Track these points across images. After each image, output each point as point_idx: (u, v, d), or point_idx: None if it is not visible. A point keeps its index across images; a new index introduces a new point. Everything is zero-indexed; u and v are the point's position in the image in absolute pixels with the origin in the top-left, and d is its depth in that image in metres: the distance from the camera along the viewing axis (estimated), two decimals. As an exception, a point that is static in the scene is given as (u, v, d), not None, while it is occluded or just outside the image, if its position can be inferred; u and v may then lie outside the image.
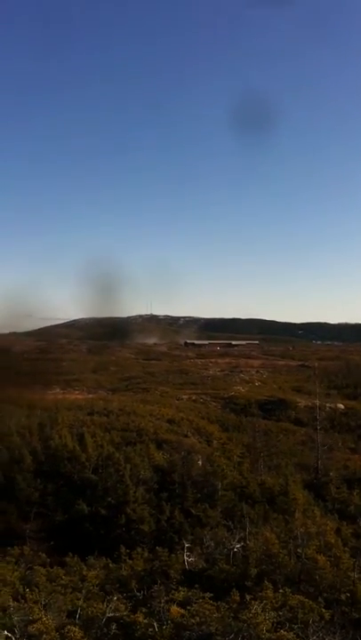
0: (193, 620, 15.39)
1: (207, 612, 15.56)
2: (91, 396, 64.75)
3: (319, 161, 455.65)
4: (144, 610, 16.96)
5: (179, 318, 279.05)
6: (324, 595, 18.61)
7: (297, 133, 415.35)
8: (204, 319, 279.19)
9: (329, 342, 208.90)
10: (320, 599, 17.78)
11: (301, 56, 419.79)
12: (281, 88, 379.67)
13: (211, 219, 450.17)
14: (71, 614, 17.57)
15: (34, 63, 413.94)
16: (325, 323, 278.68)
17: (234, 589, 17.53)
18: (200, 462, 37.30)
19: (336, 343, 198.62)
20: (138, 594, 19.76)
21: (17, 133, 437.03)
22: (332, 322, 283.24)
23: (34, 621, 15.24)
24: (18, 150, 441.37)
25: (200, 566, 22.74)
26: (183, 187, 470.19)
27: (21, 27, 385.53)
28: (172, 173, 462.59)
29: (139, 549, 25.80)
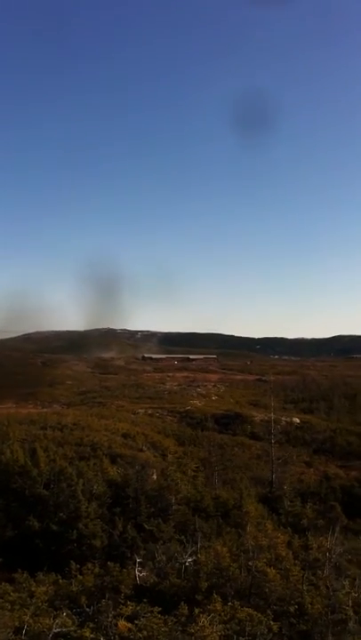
0: (140, 635, 15.30)
1: (155, 626, 15.48)
2: (45, 410, 64.02)
3: (315, 165, 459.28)
4: (92, 625, 16.77)
5: (136, 332, 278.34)
6: (274, 607, 18.67)
7: (297, 133, 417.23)
8: (161, 333, 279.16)
9: (286, 357, 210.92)
10: (269, 611, 17.82)
11: (303, 55, 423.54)
12: (282, 88, 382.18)
13: (167, 231, 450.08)
14: (18, 630, 17.27)
15: (34, 63, 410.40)
16: (283, 338, 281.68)
17: (183, 603, 17.46)
18: (155, 476, 37.13)
19: (293, 358, 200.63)
20: (87, 609, 19.52)
21: (17, 132, 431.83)
22: (289, 337, 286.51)
23: (-24, 639, 14.91)
24: (18, 149, 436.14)
25: (151, 581, 22.59)
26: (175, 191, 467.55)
27: (21, 25, 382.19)
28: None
29: (90, 565, 25.44)
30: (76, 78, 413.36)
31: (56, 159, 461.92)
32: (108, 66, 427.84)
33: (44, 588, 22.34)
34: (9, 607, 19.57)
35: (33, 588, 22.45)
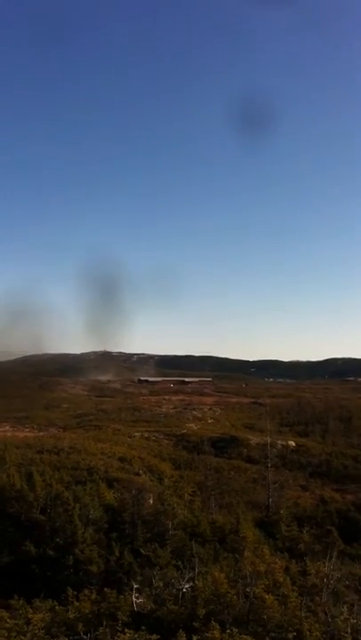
0: (138, 663, 15.21)
1: (153, 655, 15.40)
2: (41, 433, 63.85)
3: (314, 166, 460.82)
4: (89, 653, 16.68)
5: (132, 355, 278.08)
6: (272, 634, 18.59)
7: (297, 133, 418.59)
8: (157, 356, 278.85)
9: (281, 380, 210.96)
10: (267, 639, 17.77)
11: (302, 54, 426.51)
12: (282, 88, 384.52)
13: (165, 244, 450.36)
14: (15, 659, 17.17)
15: (34, 61, 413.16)
16: (278, 360, 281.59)
17: (180, 630, 17.39)
18: (151, 501, 37.02)
19: (288, 381, 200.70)
20: (84, 637, 19.42)
21: (17, 131, 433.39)
22: (284, 360, 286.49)
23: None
24: (18, 148, 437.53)
25: (149, 607, 22.46)
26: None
27: (21, 23, 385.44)
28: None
29: (86, 591, 25.29)
30: (76, 78, 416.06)
31: (56, 157, 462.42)
32: (108, 62, 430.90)
33: (40, 615, 22.19)
34: (6, 634, 19.46)
35: (30, 615, 22.30)
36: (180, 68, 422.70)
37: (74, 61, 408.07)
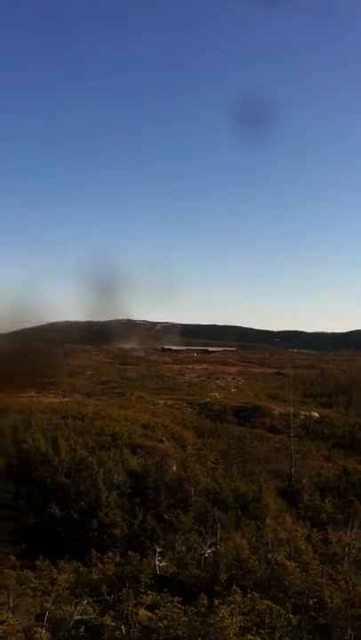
0: (160, 624, 15.47)
1: (175, 616, 15.65)
2: (66, 399, 64.45)
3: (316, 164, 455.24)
4: (112, 613, 17.00)
5: (156, 324, 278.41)
6: (293, 600, 18.78)
7: (297, 134, 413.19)
8: (181, 325, 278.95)
9: (305, 351, 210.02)
10: (288, 604, 17.93)
11: (302, 54, 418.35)
12: (282, 88, 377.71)
13: (195, 222, 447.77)
14: (40, 617, 17.57)
15: (35, 57, 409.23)
16: (302, 331, 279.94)
17: (202, 594, 17.62)
18: (174, 467, 37.38)
19: (312, 352, 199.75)
20: (108, 597, 19.79)
21: (17, 129, 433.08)
22: (308, 331, 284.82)
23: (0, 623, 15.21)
24: (18, 147, 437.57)
25: (171, 571, 22.81)
26: (181, 185, 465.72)
27: (21, 22, 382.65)
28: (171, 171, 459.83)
29: (110, 554, 25.82)
30: (76, 77, 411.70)
31: (55, 153, 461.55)
32: (108, 61, 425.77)
33: (65, 576, 22.68)
34: (31, 594, 19.91)
35: (54, 576, 22.82)
36: (180, 67, 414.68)
37: (74, 61, 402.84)
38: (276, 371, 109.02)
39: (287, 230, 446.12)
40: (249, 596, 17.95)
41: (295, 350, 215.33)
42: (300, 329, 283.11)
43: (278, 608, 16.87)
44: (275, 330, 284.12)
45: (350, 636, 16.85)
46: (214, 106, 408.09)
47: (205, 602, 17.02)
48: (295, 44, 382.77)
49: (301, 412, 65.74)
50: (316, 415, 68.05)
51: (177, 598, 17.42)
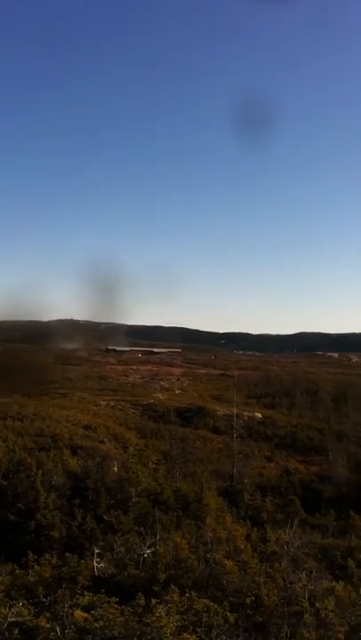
0: (96, 624, 15.20)
1: (111, 617, 15.40)
2: (5, 399, 63.21)
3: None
4: (48, 614, 16.63)
5: (101, 324, 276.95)
6: (230, 599, 18.71)
7: (297, 134, 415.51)
8: (126, 325, 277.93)
9: (250, 352, 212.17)
10: (226, 603, 17.85)
11: (302, 54, 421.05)
12: (282, 87, 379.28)
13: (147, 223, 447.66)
14: (-28, 620, 17.02)
15: (34, 59, 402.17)
16: (248, 333, 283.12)
17: (140, 594, 17.39)
18: (115, 468, 37.00)
19: (257, 354, 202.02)
20: (44, 599, 19.34)
21: (17, 130, 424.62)
22: (253, 332, 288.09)
23: None
24: (18, 147, 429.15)
25: (110, 572, 22.49)
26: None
27: (21, 22, 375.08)
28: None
29: (47, 556, 25.26)
30: (76, 76, 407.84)
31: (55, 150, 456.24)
32: (108, 61, 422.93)
33: (0, 578, 22.11)
34: (-36, 597, 19.31)
35: (-11, 578, 22.21)
36: (180, 66, 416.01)
37: (74, 60, 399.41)
38: (221, 372, 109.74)
39: (236, 231, 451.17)
40: (187, 595, 17.82)
41: (240, 352, 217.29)
42: (245, 331, 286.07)
43: (215, 607, 16.79)
44: (220, 331, 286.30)
45: (286, 633, 16.91)
46: (214, 105, 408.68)
47: (142, 602, 16.78)
48: (296, 43, 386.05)
49: (245, 413, 66.34)
50: (260, 416, 68.75)
51: (113, 599, 17.14)
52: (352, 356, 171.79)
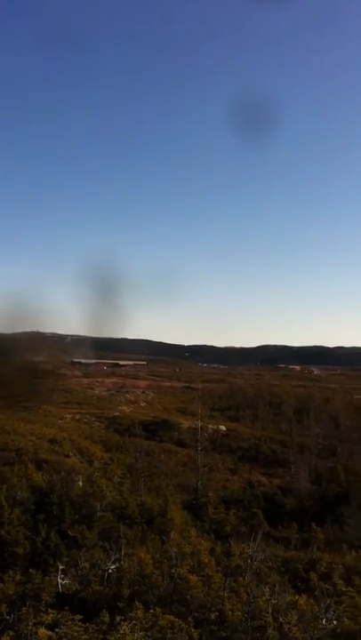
0: (61, 643, 15.22)
1: (76, 634, 15.47)
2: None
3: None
4: (11, 633, 16.58)
5: (66, 336, 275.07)
6: (195, 614, 18.86)
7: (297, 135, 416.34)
8: (91, 338, 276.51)
9: (215, 365, 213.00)
10: (190, 618, 18.01)
11: (302, 54, 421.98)
12: (282, 87, 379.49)
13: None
14: None
15: (32, 59, 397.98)
16: (213, 346, 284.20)
17: (104, 611, 17.45)
18: (80, 483, 36.86)
19: (222, 366, 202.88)
20: (7, 617, 19.23)
21: (17, 131, 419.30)
22: (218, 345, 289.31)
23: None
24: (18, 147, 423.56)
25: (74, 588, 22.44)
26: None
27: (20, 22, 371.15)
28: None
29: (11, 572, 25.10)
30: (75, 76, 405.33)
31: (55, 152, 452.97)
32: (108, 61, 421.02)
33: None
34: None
35: None
36: (180, 66, 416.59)
37: (73, 59, 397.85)
38: (186, 385, 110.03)
39: (203, 246, 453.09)
40: (151, 611, 17.92)
41: (205, 365, 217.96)
42: (210, 344, 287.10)
43: (180, 622, 16.94)
44: (185, 344, 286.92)
45: (250, 647, 17.11)
46: (214, 107, 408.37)
47: (107, 619, 16.87)
48: (296, 43, 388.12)
49: (209, 426, 66.64)
50: (224, 429, 69.11)
51: (78, 616, 17.18)
52: (313, 369, 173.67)
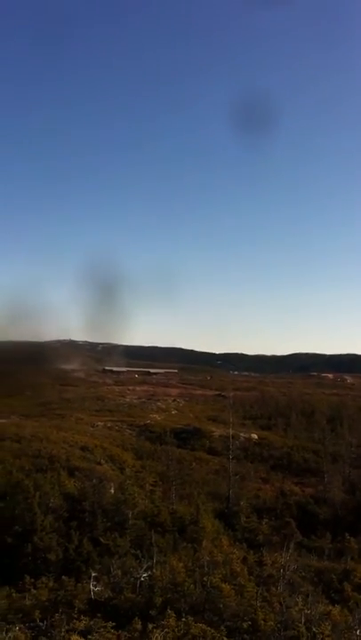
0: (93, 650, 15.27)
1: (108, 642, 15.48)
2: (3, 421, 63.20)
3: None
4: (44, 639, 16.69)
5: (97, 344, 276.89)
6: (227, 623, 18.82)
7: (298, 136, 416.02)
8: (123, 346, 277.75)
9: (246, 373, 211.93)
10: (223, 627, 17.97)
11: (302, 56, 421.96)
12: (282, 88, 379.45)
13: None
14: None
15: (33, 61, 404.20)
16: (243, 354, 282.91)
17: (136, 618, 17.49)
18: (112, 490, 37.01)
19: (253, 374, 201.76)
20: (41, 623, 19.40)
21: (17, 131, 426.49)
22: (250, 353, 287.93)
23: None
24: (18, 148, 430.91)
25: (106, 595, 22.55)
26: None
27: (20, 23, 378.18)
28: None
29: (44, 579, 25.32)
30: (75, 76, 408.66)
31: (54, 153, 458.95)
32: (107, 62, 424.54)
33: (-4, 602, 22.15)
34: None
35: (-15, 603, 22.24)
36: (180, 64, 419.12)
37: (73, 59, 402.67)
38: (217, 393, 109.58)
39: (235, 254, 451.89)
40: (183, 619, 17.90)
41: (236, 372, 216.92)
42: (241, 351, 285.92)
43: (212, 631, 16.90)
44: (216, 352, 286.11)
45: (283, 658, 16.98)
46: (214, 106, 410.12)
47: (139, 626, 16.91)
48: (296, 42, 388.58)
49: (241, 434, 66.27)
50: (256, 437, 68.68)
51: (110, 623, 17.24)
52: (346, 377, 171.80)
